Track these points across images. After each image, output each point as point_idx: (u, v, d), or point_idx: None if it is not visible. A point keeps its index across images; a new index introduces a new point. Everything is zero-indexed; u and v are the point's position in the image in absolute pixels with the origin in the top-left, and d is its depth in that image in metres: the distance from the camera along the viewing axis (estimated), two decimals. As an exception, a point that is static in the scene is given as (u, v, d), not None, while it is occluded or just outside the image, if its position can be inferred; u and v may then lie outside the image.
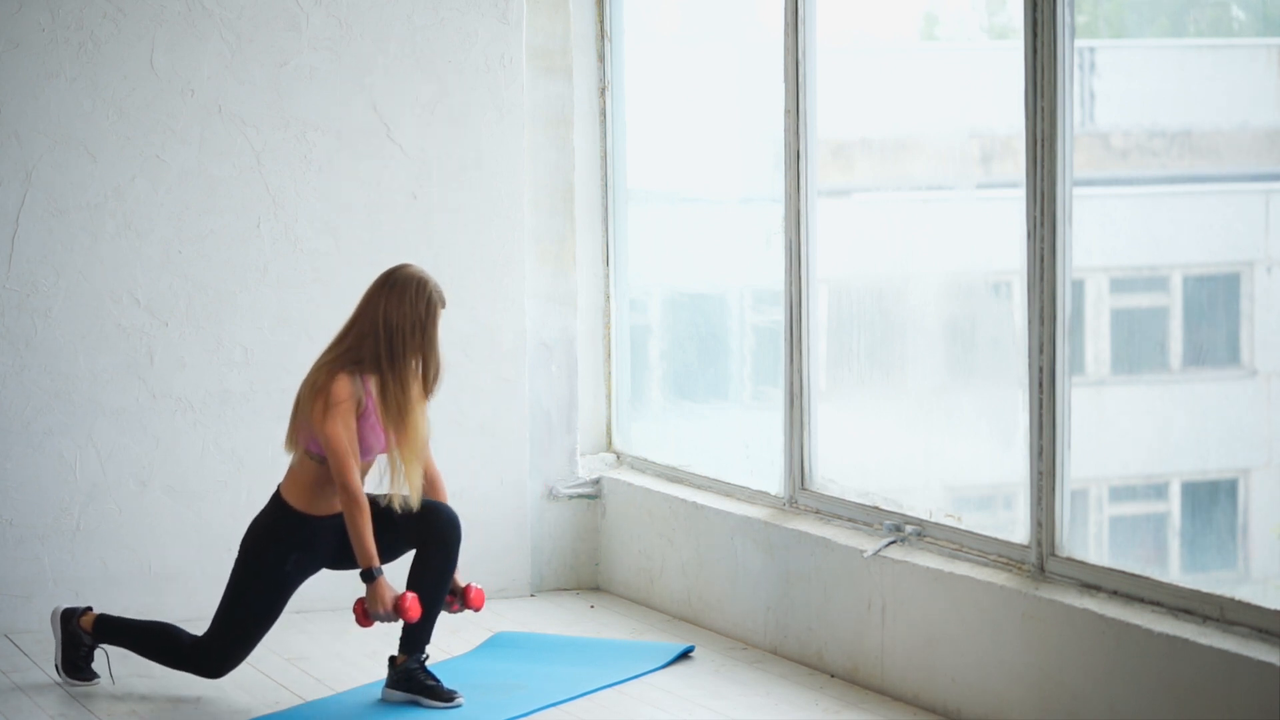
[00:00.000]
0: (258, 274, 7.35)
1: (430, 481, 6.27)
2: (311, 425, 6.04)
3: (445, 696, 6.16)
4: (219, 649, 6.25)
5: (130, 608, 7.21)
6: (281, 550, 6.18)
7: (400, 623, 6.13)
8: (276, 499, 6.21)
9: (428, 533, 6.14)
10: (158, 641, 6.36)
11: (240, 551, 6.25)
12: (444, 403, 7.46)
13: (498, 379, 7.61)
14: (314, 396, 6.04)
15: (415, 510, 6.12)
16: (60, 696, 6.36)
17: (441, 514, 6.15)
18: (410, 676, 6.17)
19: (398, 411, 6.04)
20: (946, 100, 6.47)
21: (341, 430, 6.00)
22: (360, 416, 6.06)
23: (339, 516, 6.12)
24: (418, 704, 6.15)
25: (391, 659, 6.21)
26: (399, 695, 6.18)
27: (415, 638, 6.18)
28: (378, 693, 6.27)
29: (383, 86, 7.44)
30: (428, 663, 6.24)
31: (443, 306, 6.14)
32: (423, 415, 6.11)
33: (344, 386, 6.02)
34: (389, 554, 6.16)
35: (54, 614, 6.50)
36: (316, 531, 6.17)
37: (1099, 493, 5.97)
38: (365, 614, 6.07)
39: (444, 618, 7.26)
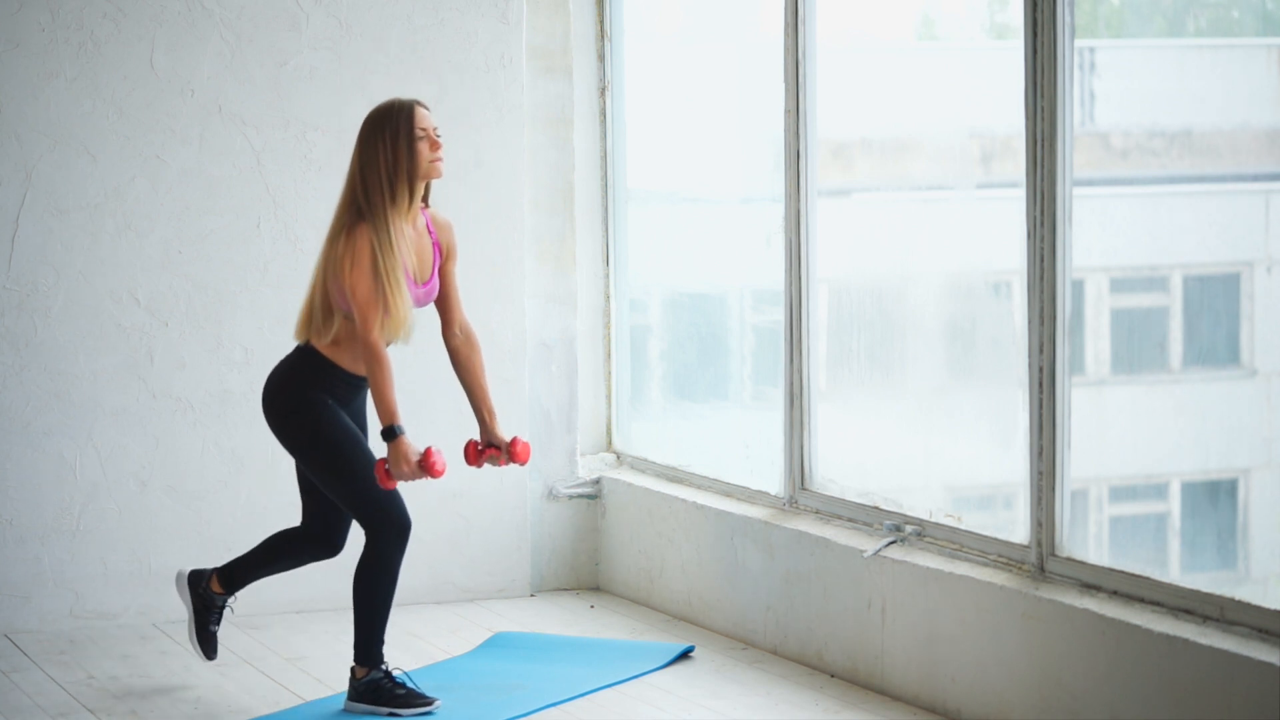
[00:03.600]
0: (258, 274, 7.36)
1: (466, 338, 6.21)
2: (340, 282, 5.94)
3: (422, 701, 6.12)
4: (326, 525, 6.20)
5: (130, 607, 7.22)
6: (312, 393, 6.05)
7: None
8: (299, 349, 6.09)
9: (377, 530, 6.03)
10: (280, 553, 6.30)
11: (280, 422, 6.09)
12: (444, 403, 7.46)
13: (498, 379, 7.61)
14: (339, 255, 5.92)
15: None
16: (60, 696, 6.36)
17: (397, 517, 6.03)
18: (377, 688, 6.09)
19: (388, 250, 5.92)
20: (946, 100, 6.47)
21: (364, 281, 5.89)
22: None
23: (362, 383, 6.05)
24: (395, 715, 6.09)
25: (353, 670, 6.13)
26: (363, 708, 6.10)
27: (367, 648, 6.08)
28: (378, 693, 6.27)
29: (383, 86, 7.44)
30: (395, 673, 6.18)
31: (422, 107, 6.02)
32: (406, 252, 5.98)
33: (365, 236, 5.92)
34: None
35: (179, 578, 6.47)
36: (337, 380, 6.05)
37: (1099, 493, 5.97)
38: (388, 475, 5.89)
39: (444, 618, 7.28)
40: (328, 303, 6.02)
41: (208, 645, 6.47)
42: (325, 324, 6.04)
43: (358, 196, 5.98)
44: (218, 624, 6.48)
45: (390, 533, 6.03)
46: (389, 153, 5.97)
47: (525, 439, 6.27)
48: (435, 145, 6.01)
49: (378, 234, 5.93)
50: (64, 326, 7.17)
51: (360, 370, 6.06)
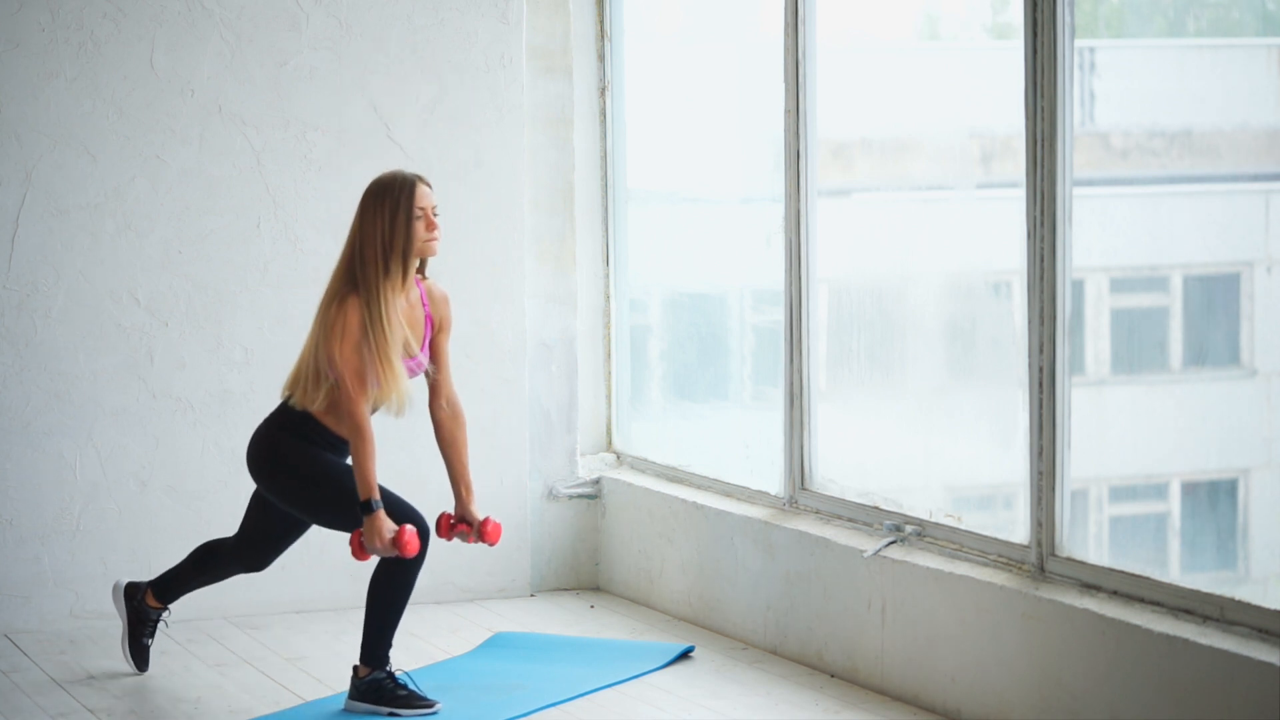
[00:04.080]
0: (258, 274, 7.36)
1: (452, 412, 6.23)
2: (329, 351, 5.95)
3: (424, 704, 6.12)
4: (258, 543, 6.28)
5: (130, 608, 7.23)
6: (297, 443, 6.09)
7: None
8: (284, 406, 6.13)
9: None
10: (209, 564, 6.42)
11: (258, 467, 6.14)
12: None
13: (498, 379, 7.62)
14: (328, 325, 5.96)
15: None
16: (60, 696, 6.36)
17: (416, 524, 6.06)
18: (379, 688, 6.12)
19: (380, 326, 5.95)
20: (946, 100, 6.47)
21: (351, 355, 5.93)
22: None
23: (346, 445, 6.07)
24: (395, 715, 6.09)
25: (355, 669, 6.15)
26: (364, 707, 6.12)
27: (374, 650, 6.08)
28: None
29: (383, 86, 7.45)
30: (396, 673, 6.17)
31: (423, 184, 6.03)
32: (399, 328, 5.99)
33: (355, 309, 5.95)
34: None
35: (115, 589, 6.57)
36: (321, 439, 6.09)
37: (1099, 493, 5.97)
38: (361, 547, 5.95)
39: (444, 618, 7.28)
40: (318, 367, 6.04)
41: (140, 658, 6.56)
42: (314, 387, 6.06)
43: (354, 264, 6.01)
44: (151, 637, 6.57)
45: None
46: (386, 227, 6.00)
47: (496, 519, 6.30)
48: (431, 225, 6.04)
49: (369, 307, 5.96)
50: (64, 326, 7.17)
51: (345, 433, 6.07)
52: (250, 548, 6.32)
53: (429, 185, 6.07)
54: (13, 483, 7.15)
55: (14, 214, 7.12)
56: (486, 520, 6.22)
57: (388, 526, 5.91)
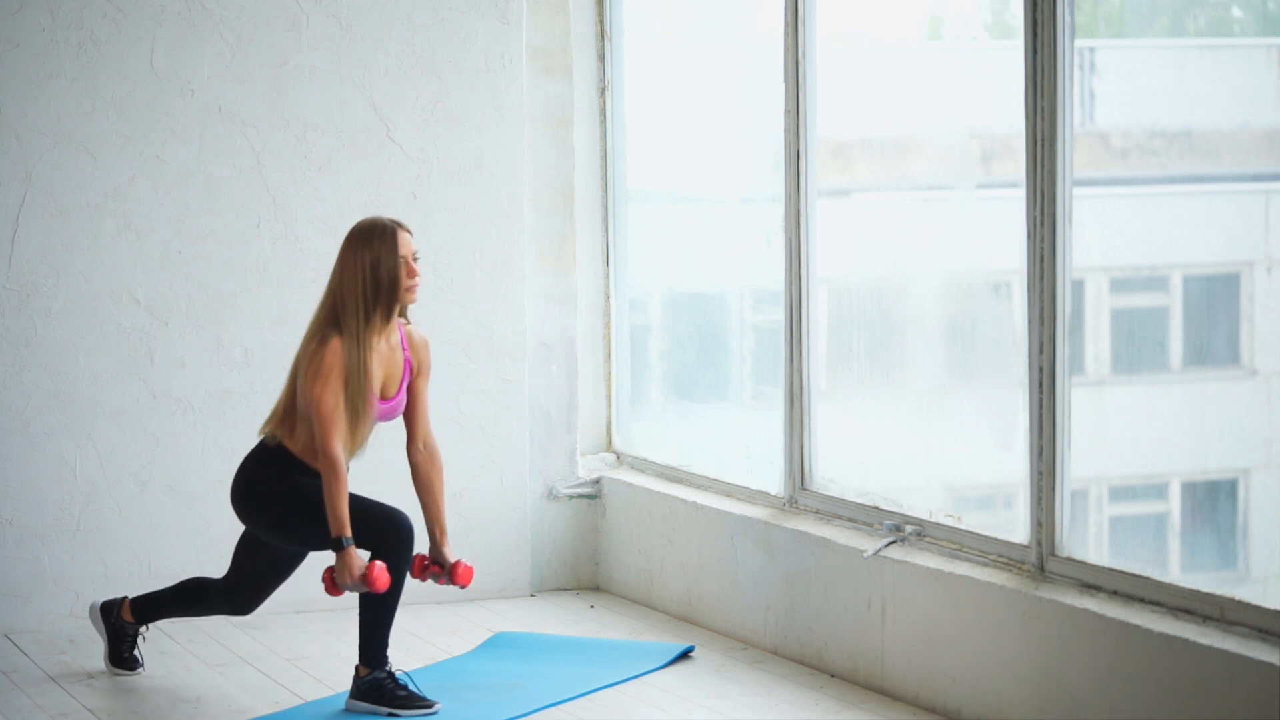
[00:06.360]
0: (258, 274, 7.36)
1: (429, 455, 6.28)
2: (306, 391, 6.01)
3: (423, 705, 6.12)
4: (245, 587, 6.35)
5: (130, 608, 7.23)
6: (277, 478, 6.15)
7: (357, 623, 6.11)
8: (263, 445, 6.18)
9: (382, 540, 6.08)
10: (193, 599, 6.47)
11: (240, 501, 6.21)
12: (444, 403, 7.46)
13: (498, 379, 7.62)
14: (307, 363, 6.03)
15: (365, 503, 6.12)
16: (60, 696, 6.36)
17: (398, 522, 6.09)
18: (379, 687, 6.13)
19: (357, 369, 6.00)
20: (947, 100, 6.47)
21: (328, 395, 5.98)
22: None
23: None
24: (395, 715, 6.10)
25: (356, 669, 6.17)
26: (364, 706, 6.14)
27: (371, 650, 6.09)
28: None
29: (383, 86, 7.45)
30: (396, 672, 6.18)
31: (404, 231, 6.07)
32: (377, 372, 6.06)
33: (336, 351, 6.00)
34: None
35: (92, 610, 6.62)
36: (300, 473, 6.13)
37: (1099, 493, 5.97)
38: (334, 583, 6.02)
39: (444, 618, 7.28)
40: (297, 404, 6.10)
41: (126, 666, 6.59)
42: (293, 424, 6.12)
43: (336, 306, 6.06)
44: (131, 650, 6.60)
45: (396, 544, 6.08)
46: (368, 274, 6.04)
47: (468, 562, 6.37)
48: (413, 272, 6.08)
49: (348, 352, 6.02)
50: (64, 326, 7.17)
51: (320, 469, 6.09)
52: (238, 591, 6.38)
53: (409, 231, 6.11)
54: (13, 483, 7.15)
55: (14, 214, 7.12)
56: (458, 563, 6.26)
57: (359, 563, 5.96)
